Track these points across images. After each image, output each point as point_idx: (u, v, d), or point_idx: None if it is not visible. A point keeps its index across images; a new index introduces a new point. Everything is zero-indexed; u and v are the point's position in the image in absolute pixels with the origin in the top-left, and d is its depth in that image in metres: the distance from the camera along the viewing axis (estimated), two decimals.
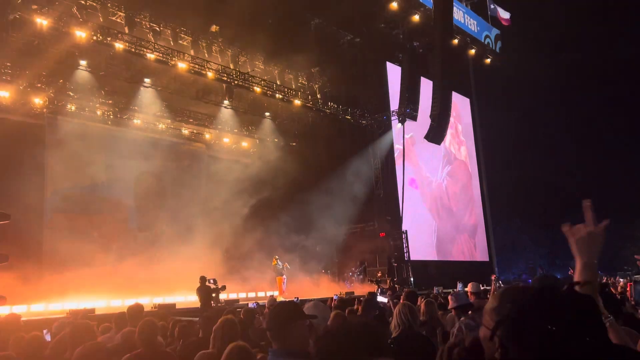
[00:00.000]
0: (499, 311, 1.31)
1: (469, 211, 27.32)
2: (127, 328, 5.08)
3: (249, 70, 19.58)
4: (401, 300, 5.36)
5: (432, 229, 24.56)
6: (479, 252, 27.34)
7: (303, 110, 21.67)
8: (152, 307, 13.08)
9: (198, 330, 5.52)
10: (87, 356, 3.49)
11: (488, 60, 25.73)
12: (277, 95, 19.86)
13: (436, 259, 24.11)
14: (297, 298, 11.66)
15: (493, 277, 19.83)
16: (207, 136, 21.01)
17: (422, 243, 23.17)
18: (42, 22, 13.85)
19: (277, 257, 18.19)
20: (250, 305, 8.64)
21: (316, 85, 22.52)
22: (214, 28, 18.72)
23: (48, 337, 5.25)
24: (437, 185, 25.48)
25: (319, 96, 22.12)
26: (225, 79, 18.24)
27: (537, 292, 1.24)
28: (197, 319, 6.79)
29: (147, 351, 4.34)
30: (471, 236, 27.16)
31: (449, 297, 5.91)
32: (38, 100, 16.24)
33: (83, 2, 15.15)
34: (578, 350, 1.16)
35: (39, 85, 16.02)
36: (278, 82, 20.42)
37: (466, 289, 7.32)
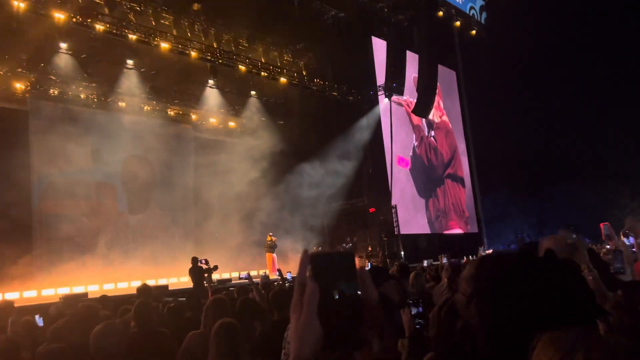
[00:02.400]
0: (475, 278, 1.29)
1: (455, 160, 27.55)
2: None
3: (233, 48, 19.37)
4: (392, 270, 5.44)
5: (422, 202, 24.73)
6: (470, 217, 27.63)
7: (289, 88, 21.53)
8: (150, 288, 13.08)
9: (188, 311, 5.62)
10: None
11: (474, 32, 25.64)
12: (262, 74, 19.71)
13: (427, 232, 24.34)
14: (290, 273, 11.77)
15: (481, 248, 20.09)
16: (193, 117, 20.86)
17: (412, 217, 23.35)
18: (19, 4, 13.55)
19: (271, 234, 18.29)
20: (242, 275, 8.71)
21: (301, 62, 22.36)
22: (195, 6, 18.42)
23: (40, 322, 5.28)
24: (424, 142, 25.58)
25: (304, 73, 21.98)
26: (209, 58, 18.04)
27: (514, 257, 1.23)
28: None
29: (142, 331, 4.40)
30: (460, 185, 27.42)
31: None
32: (19, 86, 16.00)
33: None
34: (558, 313, 1.14)
35: (20, 70, 15.76)
36: (263, 60, 20.24)
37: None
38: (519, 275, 1.19)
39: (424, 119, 24.78)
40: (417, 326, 2.72)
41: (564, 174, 31.47)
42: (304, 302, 0.92)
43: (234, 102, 21.42)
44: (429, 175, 25.39)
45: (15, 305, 6.20)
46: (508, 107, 31.18)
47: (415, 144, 25.01)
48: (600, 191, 28.95)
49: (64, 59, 16.43)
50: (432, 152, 25.84)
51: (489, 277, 1.22)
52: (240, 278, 8.54)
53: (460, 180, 27.71)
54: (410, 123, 24.68)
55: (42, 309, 7.60)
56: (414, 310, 2.81)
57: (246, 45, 20.05)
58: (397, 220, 21.24)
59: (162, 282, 16.08)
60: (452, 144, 27.61)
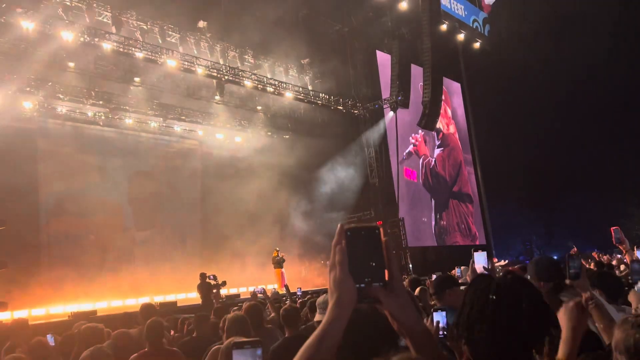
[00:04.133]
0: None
1: (461, 177, 27.52)
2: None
3: (239, 64, 19.51)
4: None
5: (430, 214, 24.67)
6: (478, 230, 27.51)
7: (295, 103, 21.64)
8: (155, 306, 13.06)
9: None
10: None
11: (477, 45, 25.75)
12: (268, 89, 19.82)
13: (435, 244, 24.24)
14: (300, 289, 11.72)
15: (495, 260, 19.94)
16: (200, 133, 20.96)
17: (420, 229, 23.28)
18: (28, 25, 13.73)
19: (277, 249, 18.25)
20: (257, 289, 8.69)
21: (307, 77, 22.48)
22: (201, 24, 18.60)
23: (52, 341, 5.27)
24: (428, 162, 25.60)
25: (310, 88, 22.09)
26: (215, 74, 18.17)
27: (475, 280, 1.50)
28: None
29: (153, 350, 4.39)
30: (466, 203, 27.34)
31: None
32: (28, 104, 16.14)
33: (68, 3, 15.03)
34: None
35: (28, 89, 15.90)
36: (268, 76, 20.37)
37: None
38: (470, 293, 1.47)
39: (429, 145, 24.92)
40: (441, 336, 2.71)
41: (571, 184, 31.33)
42: (336, 263, 1.16)
43: (240, 117, 21.51)
44: (434, 195, 25.36)
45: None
46: (514, 119, 31.17)
47: (421, 161, 25.06)
48: (607, 201, 28.80)
49: (71, 77, 16.58)
50: (435, 174, 25.83)
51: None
52: (253, 292, 8.52)
53: (467, 197, 27.60)
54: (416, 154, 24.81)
55: (52, 327, 7.60)
56: (437, 318, 2.80)
57: (252, 61, 20.20)
58: (404, 233, 21.17)
59: (170, 298, 16.04)
60: (456, 162, 27.56)
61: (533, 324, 1.36)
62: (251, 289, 18.08)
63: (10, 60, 14.96)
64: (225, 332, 4.31)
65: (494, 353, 1.36)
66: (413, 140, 23.87)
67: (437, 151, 26.27)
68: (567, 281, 2.94)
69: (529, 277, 3.36)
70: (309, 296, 8.63)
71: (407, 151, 23.83)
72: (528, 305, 1.37)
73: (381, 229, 1.19)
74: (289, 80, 21.40)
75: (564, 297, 2.88)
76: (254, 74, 19.54)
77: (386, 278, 1.16)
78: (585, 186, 30.00)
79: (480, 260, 3.07)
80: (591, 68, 29.95)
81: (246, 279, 18.67)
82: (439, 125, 26.43)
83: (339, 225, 1.20)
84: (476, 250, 3.10)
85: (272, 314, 6.46)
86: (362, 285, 1.15)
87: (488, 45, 26.10)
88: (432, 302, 5.40)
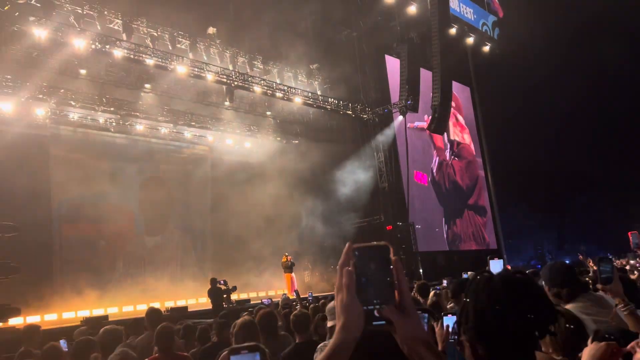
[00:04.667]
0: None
1: (477, 190, 27.45)
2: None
3: (248, 70, 19.59)
4: (413, 293, 5.38)
5: (441, 219, 24.56)
6: (489, 235, 27.37)
7: (304, 108, 21.68)
8: (164, 311, 13.13)
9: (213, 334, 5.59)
10: None
11: (487, 48, 25.66)
12: (277, 94, 19.88)
13: (446, 249, 24.12)
14: (311, 293, 11.72)
15: (508, 267, 19.79)
16: (210, 138, 21.06)
17: (430, 234, 23.18)
18: (41, 33, 13.88)
19: (286, 254, 18.25)
20: (265, 301, 8.69)
21: (315, 82, 22.52)
22: (211, 30, 18.72)
23: (65, 347, 5.30)
24: (443, 168, 25.53)
25: (319, 92, 22.12)
26: (225, 80, 18.26)
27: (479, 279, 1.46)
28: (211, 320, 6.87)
29: (164, 356, 4.39)
30: (481, 215, 27.25)
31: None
32: (40, 111, 16.32)
33: (80, 11, 15.17)
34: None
35: (41, 96, 16.08)
36: (278, 81, 20.43)
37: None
38: (473, 292, 1.44)
39: (447, 143, 24.83)
40: (451, 340, 2.70)
41: (583, 188, 31.07)
42: (343, 286, 1.12)
43: (250, 123, 21.59)
44: (447, 204, 25.26)
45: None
46: (524, 122, 30.99)
47: (434, 168, 24.95)
48: (620, 204, 28.52)
49: (83, 84, 16.75)
50: (451, 184, 25.76)
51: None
52: (262, 303, 8.54)
53: (482, 210, 27.51)
54: (432, 145, 24.69)
55: (65, 332, 7.65)
56: (447, 322, 2.79)
57: (261, 66, 20.27)
58: (414, 238, 21.09)
59: (180, 303, 16.09)
60: (473, 175, 27.49)
61: (532, 320, 1.34)
62: (261, 294, 18.16)
63: (23, 67, 15.14)
64: (233, 337, 4.31)
65: (493, 349, 1.35)
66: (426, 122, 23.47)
67: (454, 160, 26.28)
68: (599, 286, 2.90)
69: (542, 282, 3.33)
70: (322, 301, 8.59)
71: (416, 125, 23.64)
72: (528, 300, 1.35)
73: (391, 248, 1.15)
74: (298, 85, 21.45)
75: (579, 308, 2.85)
76: (264, 80, 19.61)
77: (396, 298, 1.12)
78: (597, 189, 29.75)
79: (496, 268, 3.05)
80: (604, 69, 29.74)
81: (256, 284, 18.72)
82: (454, 136, 26.38)
83: (347, 244, 1.15)
84: (492, 258, 3.08)
85: (279, 323, 6.37)
86: (371, 307, 1.11)
87: (498, 49, 26.00)
88: (450, 305, 5.38)
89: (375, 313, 1.11)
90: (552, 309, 1.39)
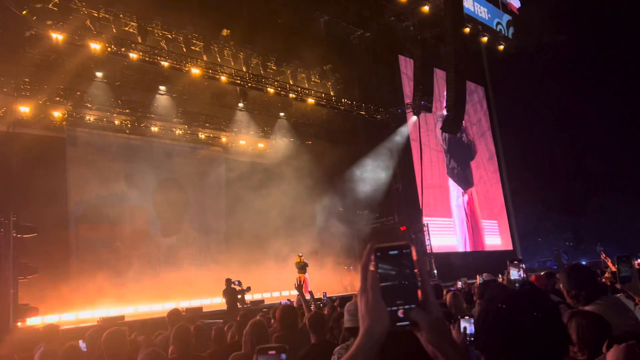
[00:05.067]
0: (478, 322, 1.46)
1: (494, 183, 27.42)
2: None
3: (262, 71, 19.67)
4: None
5: (455, 219, 24.44)
6: (504, 236, 27.21)
7: (317, 109, 21.70)
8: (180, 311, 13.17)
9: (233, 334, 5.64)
10: None
11: (501, 47, 25.48)
12: (290, 95, 19.92)
13: (460, 250, 24.00)
14: (325, 294, 11.74)
15: (533, 281, 19.62)
16: (224, 139, 21.16)
17: (444, 234, 23.08)
18: (58, 37, 14.07)
19: (300, 254, 18.27)
20: (283, 302, 8.73)
21: (329, 83, 22.53)
22: (224, 32, 18.82)
23: (83, 347, 5.37)
24: (459, 168, 25.47)
25: (332, 93, 22.13)
26: (238, 81, 18.36)
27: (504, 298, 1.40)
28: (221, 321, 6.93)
29: (181, 356, 4.43)
30: (497, 216, 27.18)
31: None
32: (57, 114, 16.52)
33: (96, 14, 15.36)
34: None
35: (58, 98, 16.29)
36: (291, 82, 20.47)
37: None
38: (487, 305, 1.41)
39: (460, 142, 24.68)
40: (468, 342, 2.69)
41: (599, 187, 30.71)
42: (368, 288, 1.12)
43: (263, 124, 21.67)
44: (462, 203, 25.20)
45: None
46: (539, 121, 30.71)
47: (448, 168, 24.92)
48: (638, 204, 28.14)
49: (99, 87, 16.93)
50: (469, 208, 25.79)
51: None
52: (281, 304, 8.58)
53: (498, 210, 27.48)
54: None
55: (82, 332, 7.74)
56: (464, 325, 2.78)
57: (274, 68, 20.33)
58: (429, 239, 21.00)
59: (195, 304, 16.17)
60: (488, 173, 27.47)
61: (541, 338, 1.30)
62: (275, 294, 18.21)
63: (40, 71, 15.36)
64: (243, 337, 4.35)
65: None
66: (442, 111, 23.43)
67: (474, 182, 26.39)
68: (618, 285, 2.89)
69: (560, 285, 3.31)
70: (337, 303, 8.58)
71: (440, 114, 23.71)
72: (538, 317, 1.31)
73: (413, 247, 1.14)
74: (312, 86, 21.48)
75: (597, 311, 2.83)
76: (277, 81, 19.67)
77: (419, 298, 1.11)
78: (614, 189, 29.38)
79: (514, 272, 3.05)
80: (621, 67, 29.38)
81: (270, 285, 18.75)
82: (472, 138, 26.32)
83: (367, 245, 1.15)
84: (512, 262, 3.06)
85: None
86: (394, 308, 1.10)
87: (512, 48, 25.80)
88: (477, 304, 5.37)
89: (400, 314, 1.10)
90: (560, 337, 1.36)
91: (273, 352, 1.51)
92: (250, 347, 4.22)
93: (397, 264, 1.12)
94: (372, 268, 1.13)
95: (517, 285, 2.97)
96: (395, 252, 1.13)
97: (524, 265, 3.06)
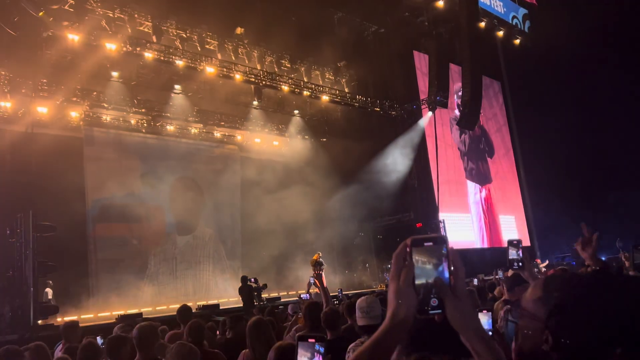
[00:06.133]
0: (545, 301, 1.26)
1: (510, 178, 27.19)
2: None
3: (276, 69, 19.69)
4: None
5: (472, 215, 24.27)
6: (521, 232, 26.98)
7: (332, 106, 21.67)
8: (196, 309, 13.33)
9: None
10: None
11: (517, 41, 25.17)
12: (304, 93, 19.92)
13: (478, 246, 23.83)
14: (341, 290, 11.73)
15: (538, 262, 19.47)
16: (239, 137, 21.24)
17: (461, 231, 22.92)
18: (74, 37, 14.22)
19: (319, 253, 18.26)
20: (303, 296, 8.76)
21: (343, 80, 22.48)
22: (238, 30, 18.88)
23: (102, 343, 5.42)
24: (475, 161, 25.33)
25: (346, 90, 22.08)
26: (253, 80, 18.40)
27: (589, 278, 1.24)
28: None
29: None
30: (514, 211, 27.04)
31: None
32: (74, 114, 16.71)
33: (111, 14, 15.50)
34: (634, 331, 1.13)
35: (75, 99, 16.48)
36: (305, 79, 20.47)
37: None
38: (596, 299, 1.19)
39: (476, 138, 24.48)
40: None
41: (618, 182, 30.21)
42: (402, 273, 1.13)
43: (278, 121, 21.71)
44: (478, 199, 25.03)
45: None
46: (556, 115, 30.29)
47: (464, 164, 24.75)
48: None
49: (115, 86, 17.09)
50: (487, 205, 25.61)
51: (565, 301, 1.21)
52: (300, 298, 8.64)
53: (514, 206, 27.25)
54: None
55: (102, 329, 7.84)
56: (482, 319, 2.76)
57: (288, 65, 20.34)
58: (445, 235, 20.86)
59: (212, 301, 16.28)
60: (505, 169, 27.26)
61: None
62: (291, 292, 18.23)
63: (57, 71, 15.55)
64: (247, 335, 4.37)
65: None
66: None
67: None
68: (632, 272, 2.84)
69: None
70: (353, 299, 8.57)
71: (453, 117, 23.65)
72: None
73: (447, 239, 1.17)
74: (326, 83, 21.45)
75: None
76: (291, 78, 19.68)
77: (451, 289, 1.14)
78: (633, 184, 28.88)
79: (513, 252, 3.07)
80: None
81: (286, 282, 18.80)
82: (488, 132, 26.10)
83: (408, 239, 1.18)
84: (511, 242, 3.07)
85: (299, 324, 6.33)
86: (427, 297, 1.13)
87: (529, 42, 25.47)
88: (503, 297, 5.33)
89: (432, 302, 1.13)
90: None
91: (313, 340, 1.59)
92: (255, 344, 4.25)
93: (432, 255, 1.15)
94: (407, 257, 1.16)
95: (515, 265, 3.02)
96: (430, 243, 1.16)
97: (522, 246, 3.04)
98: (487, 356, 1.15)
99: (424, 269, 1.14)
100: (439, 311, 1.12)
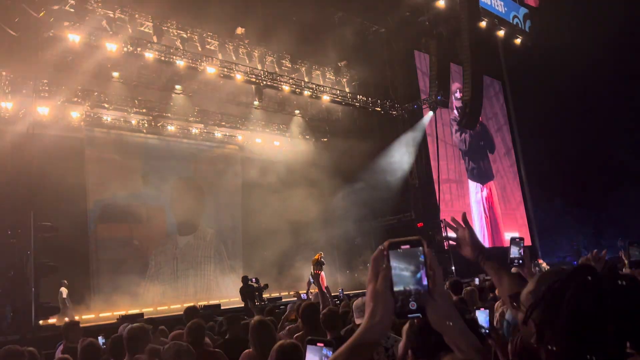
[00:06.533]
0: (534, 294, 1.31)
1: (511, 178, 27.16)
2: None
3: (277, 69, 19.68)
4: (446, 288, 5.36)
5: (473, 215, 24.25)
6: (523, 231, 26.96)
7: (332, 106, 21.67)
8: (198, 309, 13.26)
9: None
10: None
11: (518, 41, 25.15)
12: (305, 93, 19.91)
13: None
14: (342, 290, 11.74)
15: (540, 262, 19.44)
16: (240, 138, 21.24)
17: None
18: (74, 38, 14.23)
19: (321, 252, 18.24)
20: (303, 296, 8.76)
21: (344, 79, 22.47)
22: (239, 30, 18.88)
23: (102, 342, 5.43)
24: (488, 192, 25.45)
25: (347, 90, 22.07)
26: (253, 80, 18.41)
27: (570, 272, 1.24)
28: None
29: (195, 351, 4.44)
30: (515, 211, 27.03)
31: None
32: (75, 114, 16.72)
33: (112, 15, 15.51)
34: (614, 334, 1.14)
35: (76, 99, 16.49)
36: (306, 79, 20.46)
37: None
38: (574, 293, 1.19)
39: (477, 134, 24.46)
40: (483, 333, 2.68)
41: (620, 181, 30.15)
42: (379, 276, 1.14)
43: (279, 121, 21.71)
44: (479, 199, 25.03)
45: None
46: (557, 115, 30.26)
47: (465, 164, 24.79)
48: None
49: (116, 87, 17.10)
50: (489, 204, 25.58)
51: (545, 293, 1.23)
52: (301, 298, 8.62)
53: (516, 205, 27.21)
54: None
55: (103, 329, 7.85)
56: (480, 316, 2.77)
57: (289, 65, 20.34)
58: (446, 235, 20.83)
59: (213, 301, 16.28)
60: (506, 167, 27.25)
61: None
62: (292, 292, 18.22)
63: (58, 72, 15.54)
64: (250, 335, 4.36)
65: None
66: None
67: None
68: (626, 270, 2.83)
69: None
70: (353, 299, 8.57)
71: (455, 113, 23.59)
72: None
73: (424, 241, 1.17)
74: (327, 83, 21.44)
75: None
76: (292, 78, 19.67)
77: (430, 291, 1.14)
78: (635, 183, 28.83)
79: (515, 250, 3.07)
80: None
81: (287, 282, 18.79)
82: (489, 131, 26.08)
83: (384, 243, 1.19)
84: (513, 240, 3.05)
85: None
86: (405, 299, 1.13)
87: (529, 42, 25.45)
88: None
89: (411, 306, 1.13)
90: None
91: (321, 344, 1.63)
92: (258, 345, 4.23)
93: (409, 262, 1.15)
94: (384, 260, 1.16)
95: (516, 262, 3.01)
96: (407, 246, 1.16)
97: (523, 244, 3.02)
98: (472, 354, 1.17)
99: (402, 276, 1.14)
100: (419, 315, 1.12)
